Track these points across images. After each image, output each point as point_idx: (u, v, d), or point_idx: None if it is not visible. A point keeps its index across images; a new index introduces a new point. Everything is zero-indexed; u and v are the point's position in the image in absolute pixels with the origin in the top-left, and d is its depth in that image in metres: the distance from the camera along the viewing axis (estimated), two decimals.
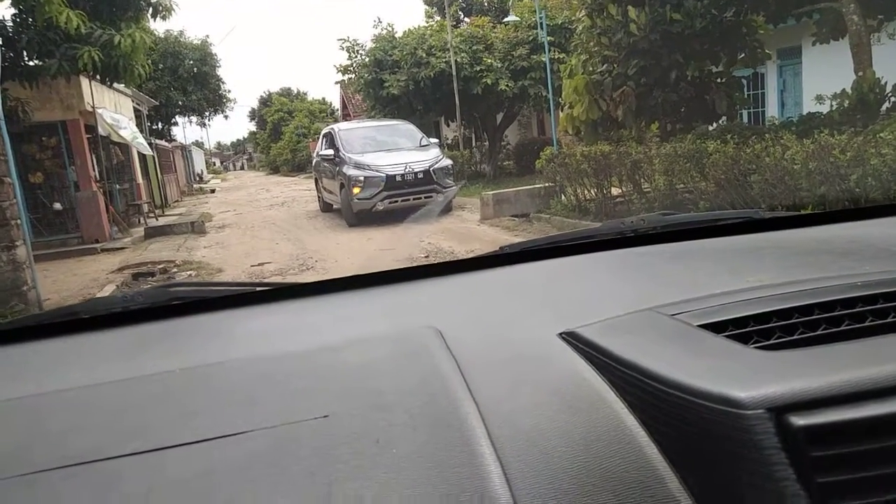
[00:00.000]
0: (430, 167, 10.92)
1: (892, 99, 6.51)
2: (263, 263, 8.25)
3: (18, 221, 6.07)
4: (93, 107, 11.75)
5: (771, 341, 0.70)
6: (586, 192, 9.03)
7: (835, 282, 0.80)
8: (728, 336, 0.70)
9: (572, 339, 0.78)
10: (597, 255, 1.20)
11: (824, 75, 10.52)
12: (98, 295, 7.02)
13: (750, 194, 5.93)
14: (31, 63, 8.99)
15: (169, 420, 0.70)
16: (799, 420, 0.53)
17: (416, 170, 10.81)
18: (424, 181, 10.81)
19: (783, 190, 5.54)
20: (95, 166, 12.40)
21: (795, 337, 0.70)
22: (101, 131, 12.07)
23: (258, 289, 1.16)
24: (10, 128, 7.05)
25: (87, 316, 1.08)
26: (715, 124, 9.30)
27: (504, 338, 0.86)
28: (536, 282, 1.13)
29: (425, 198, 10.71)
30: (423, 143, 11.86)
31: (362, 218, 10.73)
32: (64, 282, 8.02)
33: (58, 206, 11.59)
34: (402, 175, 10.71)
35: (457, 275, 1.18)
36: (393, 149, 11.50)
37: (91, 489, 0.59)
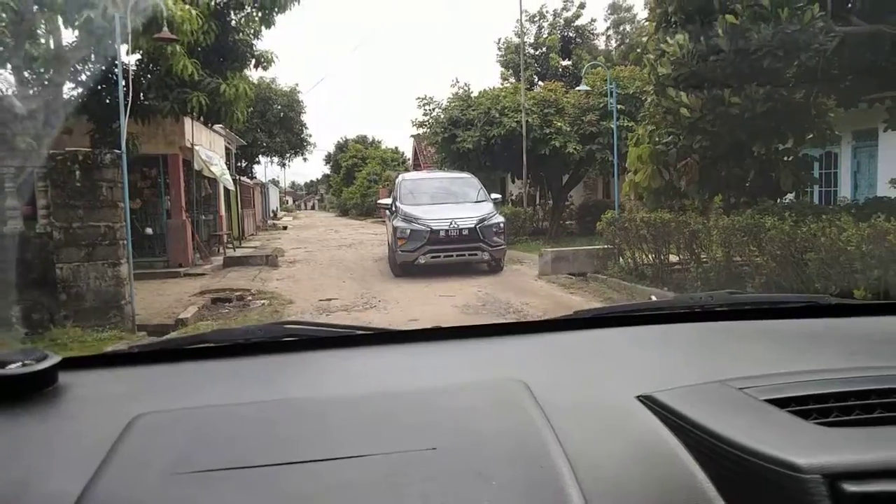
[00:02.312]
0: (476, 224, 10.61)
1: None
2: (331, 299, 8.80)
3: (124, 242, 6.85)
4: (192, 144, 12.91)
5: (829, 419, 0.76)
6: (644, 256, 9.22)
7: (892, 371, 0.87)
8: (790, 411, 0.77)
9: (650, 402, 0.85)
10: (668, 327, 1.27)
11: None
12: (181, 315, 7.70)
13: (805, 273, 6.03)
14: (146, 103, 10.11)
15: (303, 438, 0.80)
16: (851, 487, 0.60)
17: (461, 226, 10.51)
18: (469, 238, 10.52)
19: (838, 271, 5.64)
20: (185, 197, 13.53)
21: (851, 417, 0.77)
22: (195, 166, 13.19)
23: (361, 332, 1.26)
24: None
25: (216, 344, 1.21)
26: (779, 201, 9.37)
27: (586, 395, 0.93)
28: (613, 347, 1.21)
29: (469, 255, 10.52)
30: (478, 199, 11.60)
31: (406, 270, 10.65)
32: (151, 300, 8.78)
33: (149, 230, 12.66)
34: (447, 230, 10.46)
35: (536, 334, 1.26)
36: (446, 202, 11.31)
37: (249, 489, 0.69)
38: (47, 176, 6.60)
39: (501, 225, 11.08)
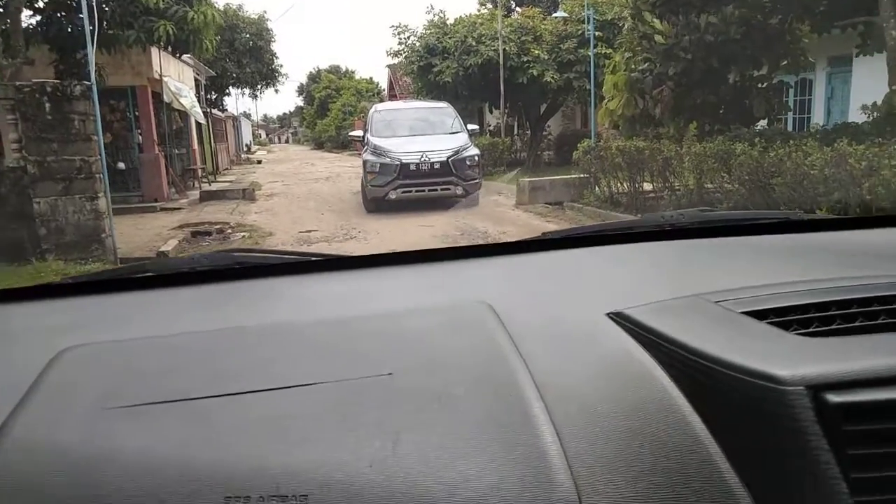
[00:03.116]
0: (448, 157, 10.13)
1: None
2: (311, 231, 8.89)
3: (100, 176, 6.81)
4: (160, 75, 12.54)
5: (809, 330, 0.74)
6: (619, 185, 9.40)
7: (872, 281, 0.84)
8: (769, 323, 0.75)
9: (620, 319, 0.82)
10: (637, 245, 1.23)
11: (874, 86, 10.57)
12: (162, 248, 7.76)
13: (772, 196, 6.27)
14: (111, 32, 9.75)
15: (247, 369, 0.76)
16: (834, 398, 0.58)
17: (433, 159, 10.03)
18: (441, 172, 10.07)
19: (802, 194, 5.87)
20: (156, 131, 13.24)
21: (833, 327, 0.74)
22: (165, 98, 12.86)
23: (315, 258, 1.22)
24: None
25: (157, 273, 1.15)
26: (752, 127, 9.53)
27: (553, 316, 0.90)
28: (580, 267, 1.17)
29: (441, 189, 10.10)
30: (453, 130, 11.07)
31: (378, 206, 10.24)
32: (130, 235, 8.78)
33: (121, 165, 12.44)
34: (418, 164, 10.00)
35: (502, 256, 1.22)
36: (418, 134, 10.79)
37: (186, 423, 0.66)
38: (15, 108, 6.45)
39: (476, 158, 10.71)
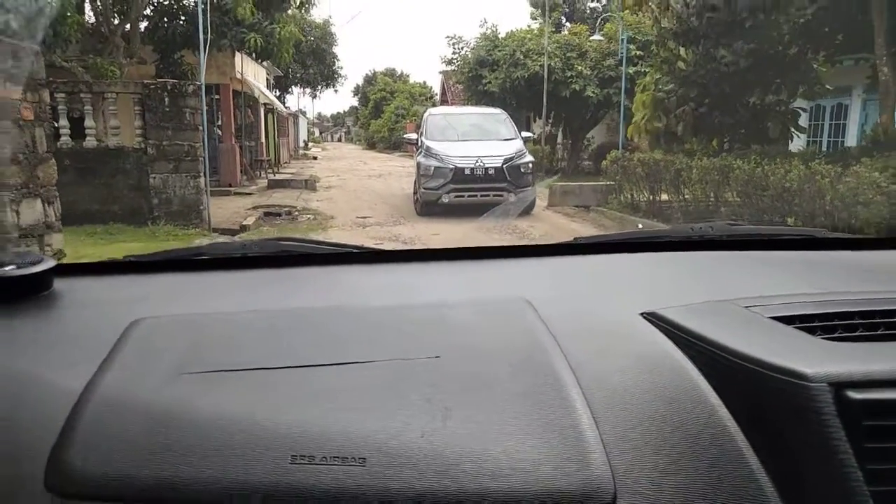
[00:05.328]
0: (503, 164, 10.17)
1: None
2: (366, 217, 10.31)
3: (202, 159, 8.37)
4: (241, 75, 14.25)
5: (834, 335, 0.78)
6: (640, 193, 10.52)
7: (893, 295, 0.89)
8: (796, 328, 0.79)
9: (653, 319, 0.87)
10: (667, 254, 1.25)
11: None
12: (243, 222, 9.27)
13: (760, 206, 7.34)
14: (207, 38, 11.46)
15: (306, 346, 0.83)
16: (856, 395, 0.63)
17: (487, 165, 10.07)
18: (495, 178, 10.08)
19: (782, 205, 6.94)
20: (234, 124, 14.97)
21: (856, 334, 0.79)
22: (255, 94, 14.58)
23: (358, 250, 1.26)
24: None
25: (211, 257, 1.22)
26: (766, 146, 10.51)
27: (588, 314, 0.95)
28: (613, 271, 1.20)
29: (494, 196, 10.05)
30: (508, 136, 11.19)
31: (430, 209, 10.24)
32: (214, 212, 10.26)
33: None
34: (472, 169, 10.05)
35: (537, 258, 1.27)
36: (473, 139, 10.85)
37: (254, 390, 0.73)
38: (142, 101, 8.06)
39: (531, 165, 10.63)
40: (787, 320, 0.81)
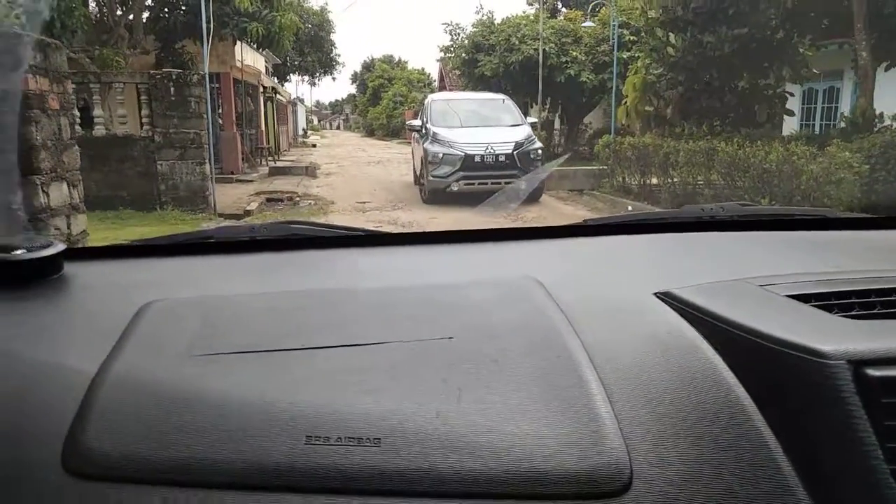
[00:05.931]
0: (514, 150, 9.99)
1: (879, 125, 7.99)
2: (366, 202, 10.64)
3: (207, 146, 8.69)
4: (241, 63, 14.52)
5: (851, 313, 0.77)
6: (631, 176, 10.84)
7: None
8: (813, 306, 0.78)
9: (667, 298, 0.85)
10: (678, 235, 1.25)
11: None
12: (247, 207, 9.60)
13: (743, 186, 7.67)
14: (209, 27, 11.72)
15: (318, 327, 0.82)
16: (875, 372, 0.62)
17: (497, 151, 9.93)
18: (506, 165, 9.88)
19: (762, 185, 7.28)
20: (235, 112, 15.26)
21: (874, 312, 0.78)
22: (264, 83, 14.79)
23: (367, 233, 1.26)
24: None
25: (220, 240, 1.25)
26: (751, 129, 10.82)
27: (600, 294, 0.94)
28: (624, 252, 1.21)
29: (505, 183, 9.39)
30: (514, 123, 10.97)
31: (437, 197, 10.05)
32: (218, 198, 10.62)
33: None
34: (482, 156, 9.92)
35: (545, 240, 1.27)
36: (480, 125, 10.67)
37: (266, 371, 0.73)
38: (147, 91, 8.37)
39: (539, 151, 10.45)
40: (804, 298, 0.80)
